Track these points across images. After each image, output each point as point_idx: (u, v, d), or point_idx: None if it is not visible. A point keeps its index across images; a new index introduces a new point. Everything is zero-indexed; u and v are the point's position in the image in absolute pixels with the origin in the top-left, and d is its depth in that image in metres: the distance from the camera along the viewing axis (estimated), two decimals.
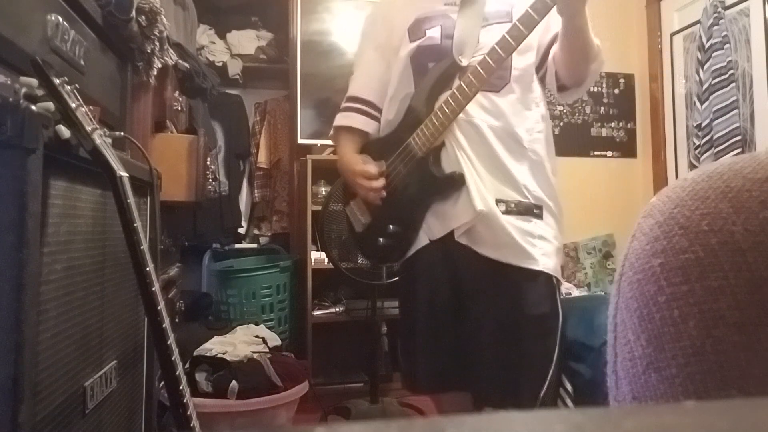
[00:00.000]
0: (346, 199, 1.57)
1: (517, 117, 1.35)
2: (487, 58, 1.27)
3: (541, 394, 1.29)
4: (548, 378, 1.30)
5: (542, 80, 1.43)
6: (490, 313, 1.33)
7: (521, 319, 1.31)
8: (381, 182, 1.42)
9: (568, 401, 2.00)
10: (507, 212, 1.32)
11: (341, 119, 1.54)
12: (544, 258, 1.32)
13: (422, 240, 1.40)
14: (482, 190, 1.31)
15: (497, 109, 1.34)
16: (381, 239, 1.45)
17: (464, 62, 1.33)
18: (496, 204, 1.32)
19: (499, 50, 1.25)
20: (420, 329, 1.42)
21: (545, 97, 1.44)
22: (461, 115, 1.32)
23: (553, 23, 1.36)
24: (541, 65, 1.42)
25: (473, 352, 1.35)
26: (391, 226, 1.43)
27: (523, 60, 1.37)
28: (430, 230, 1.38)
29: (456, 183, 1.33)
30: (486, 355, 1.34)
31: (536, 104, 1.39)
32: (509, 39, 1.25)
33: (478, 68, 1.27)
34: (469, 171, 1.32)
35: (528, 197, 1.34)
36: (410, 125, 1.38)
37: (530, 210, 1.34)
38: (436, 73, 1.37)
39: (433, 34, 1.39)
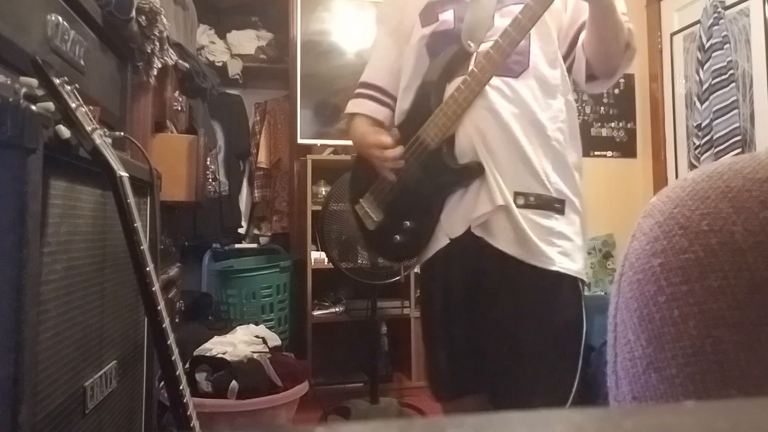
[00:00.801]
0: (355, 197, 1.49)
1: (540, 104, 1.27)
2: (500, 41, 1.20)
3: (567, 405, 1.21)
4: (573, 389, 1.21)
5: (569, 70, 1.35)
6: (510, 313, 1.25)
7: (540, 324, 1.22)
8: (397, 151, 1.33)
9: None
10: (526, 206, 1.24)
11: (351, 106, 1.49)
12: (562, 257, 1.23)
13: (442, 240, 1.32)
14: (501, 183, 1.23)
15: (517, 95, 1.26)
16: (397, 236, 1.38)
17: (473, 47, 1.26)
18: (515, 197, 1.24)
19: (511, 32, 1.18)
20: (441, 334, 1.35)
21: (571, 86, 1.36)
22: (480, 101, 1.24)
23: (581, 9, 1.29)
24: (569, 54, 1.34)
25: (494, 357, 1.27)
26: (406, 222, 1.36)
27: (544, 45, 1.29)
28: (451, 228, 1.30)
29: (473, 173, 1.26)
30: (506, 360, 1.25)
31: (561, 92, 1.31)
32: (522, 19, 1.17)
33: (491, 52, 1.20)
34: (487, 162, 1.24)
35: (549, 190, 1.25)
36: (420, 116, 1.31)
37: (551, 204, 1.25)
38: (445, 59, 1.30)
39: (446, 17, 1.32)
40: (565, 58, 1.34)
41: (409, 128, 1.34)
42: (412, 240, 1.38)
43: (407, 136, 1.34)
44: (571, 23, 1.32)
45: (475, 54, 1.26)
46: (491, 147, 1.25)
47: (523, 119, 1.26)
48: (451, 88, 1.27)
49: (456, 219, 1.30)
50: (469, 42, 1.27)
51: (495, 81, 1.25)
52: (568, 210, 1.27)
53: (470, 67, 1.24)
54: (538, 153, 1.26)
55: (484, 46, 1.24)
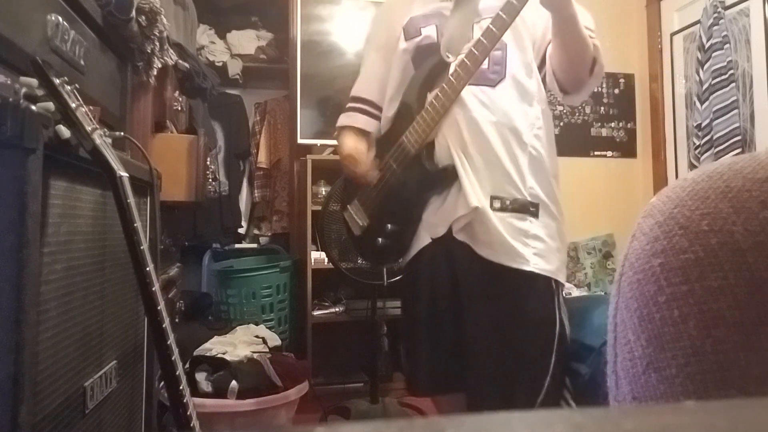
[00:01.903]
0: (344, 204, 1.58)
1: (517, 112, 1.33)
2: (473, 50, 1.26)
3: (538, 400, 1.27)
4: (545, 385, 1.27)
5: (544, 82, 1.41)
6: (486, 314, 1.31)
7: (514, 323, 1.29)
8: (366, 163, 1.43)
9: (570, 401, 1.99)
10: (502, 209, 1.30)
11: (343, 119, 1.57)
12: (537, 258, 1.29)
13: (424, 239, 1.39)
14: (476, 187, 1.29)
15: (495, 104, 1.32)
16: (380, 239, 1.45)
17: (452, 58, 1.32)
18: (492, 201, 1.30)
19: (484, 41, 1.25)
20: (421, 329, 1.41)
21: (547, 95, 1.42)
22: (458, 109, 1.31)
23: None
24: (541, 66, 1.40)
25: (471, 355, 1.34)
26: (389, 225, 1.43)
27: (520, 55, 1.36)
28: (432, 228, 1.37)
29: (449, 176, 1.32)
30: (482, 358, 1.32)
31: (537, 101, 1.37)
32: (493, 29, 1.24)
33: (465, 60, 1.27)
34: (464, 167, 1.30)
35: (524, 194, 1.31)
36: (403, 123, 1.39)
37: (526, 208, 1.31)
38: (425, 70, 1.37)
39: (429, 32, 1.39)
40: (539, 69, 1.40)
41: (394, 135, 1.42)
42: (393, 242, 1.45)
43: (391, 143, 1.42)
44: (544, 36, 1.38)
45: (452, 65, 1.32)
46: (468, 152, 1.31)
47: (501, 126, 1.32)
48: (430, 97, 1.34)
49: (437, 220, 1.37)
50: (447, 54, 1.33)
51: (474, 90, 1.31)
52: (543, 213, 1.33)
53: (448, 76, 1.31)
54: (515, 158, 1.32)
55: (461, 57, 1.29)
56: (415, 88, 1.38)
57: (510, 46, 1.34)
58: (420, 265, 1.42)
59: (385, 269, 2.47)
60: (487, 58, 1.28)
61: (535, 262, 1.28)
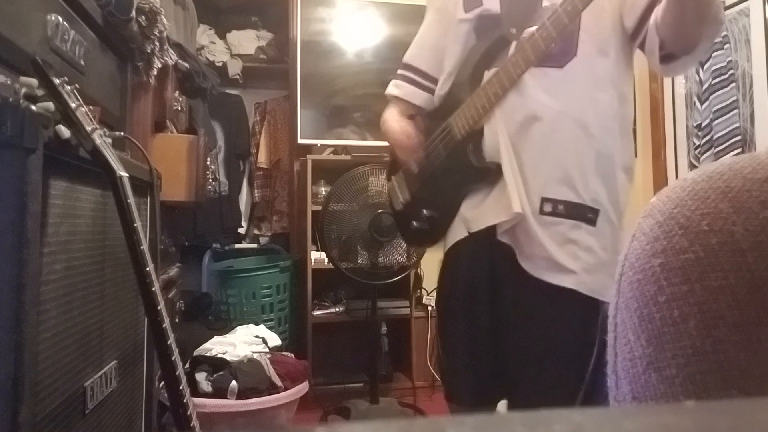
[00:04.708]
0: (390, 174, 1.50)
1: (585, 99, 1.14)
2: (548, 24, 1.05)
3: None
4: (576, 403, 1.13)
5: (642, 48, 1.16)
6: (517, 321, 1.18)
7: (548, 342, 1.14)
8: (412, 141, 1.32)
9: None
10: (553, 213, 1.12)
11: (391, 88, 1.45)
12: (584, 274, 1.10)
13: (460, 231, 1.25)
14: (521, 189, 1.12)
15: (560, 89, 1.13)
16: (414, 222, 1.35)
17: (515, 33, 1.13)
18: (542, 203, 1.12)
19: (562, 14, 1.03)
20: (456, 330, 1.29)
21: (630, 74, 1.19)
22: (516, 96, 1.13)
23: None
24: (638, 31, 1.14)
25: (496, 360, 1.22)
26: (424, 211, 1.33)
27: (595, 29, 1.13)
28: (467, 222, 1.23)
29: (495, 175, 1.16)
30: (515, 368, 1.19)
31: (612, 84, 1.17)
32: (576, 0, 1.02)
33: (536, 36, 1.07)
34: (511, 164, 1.13)
35: (583, 198, 1.12)
36: (454, 103, 1.24)
37: (582, 214, 1.12)
38: (484, 45, 1.20)
39: (491, 4, 1.20)
40: (634, 36, 1.16)
41: (443, 114, 1.28)
42: (427, 229, 1.34)
43: (437, 125, 1.30)
44: None
45: (515, 42, 1.13)
46: (520, 147, 1.14)
47: (563, 117, 1.13)
48: (485, 79, 1.18)
49: (473, 214, 1.23)
50: (511, 28, 1.15)
51: (536, 72, 1.12)
52: (602, 220, 1.14)
53: (509, 55, 1.13)
54: (577, 155, 1.13)
55: (528, 32, 1.10)
56: (471, 65, 1.21)
57: (583, 18, 1.11)
58: (456, 259, 1.28)
59: (383, 270, 2.47)
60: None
61: (581, 280, 1.10)
